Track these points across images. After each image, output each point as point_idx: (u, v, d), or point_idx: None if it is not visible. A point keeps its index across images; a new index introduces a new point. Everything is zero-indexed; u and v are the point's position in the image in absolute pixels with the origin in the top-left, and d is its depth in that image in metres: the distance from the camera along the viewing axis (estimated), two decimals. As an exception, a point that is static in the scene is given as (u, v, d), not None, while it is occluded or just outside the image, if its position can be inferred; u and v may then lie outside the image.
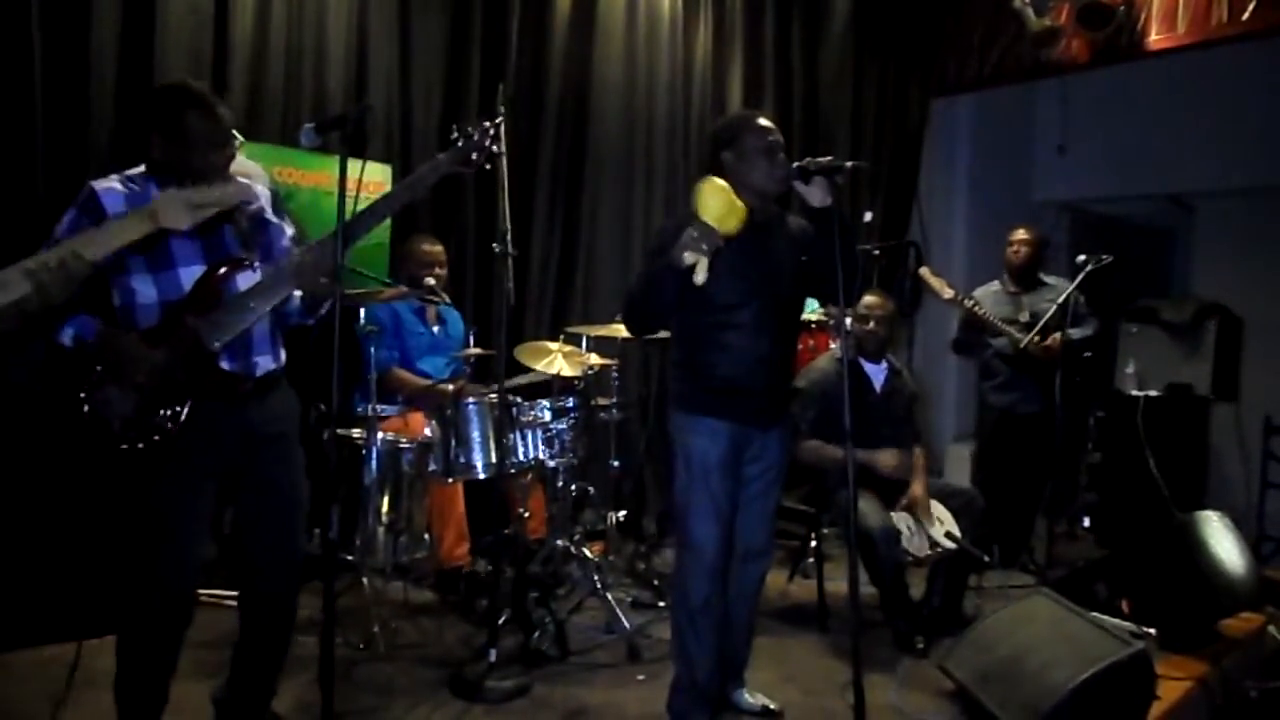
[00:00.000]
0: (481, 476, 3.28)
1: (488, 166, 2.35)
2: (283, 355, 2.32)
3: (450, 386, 3.44)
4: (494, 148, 2.31)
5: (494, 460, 3.21)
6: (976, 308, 4.22)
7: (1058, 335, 4.15)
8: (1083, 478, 5.52)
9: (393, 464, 3.39)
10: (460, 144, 2.31)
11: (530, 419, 3.34)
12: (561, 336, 3.98)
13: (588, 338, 3.94)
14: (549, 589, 3.38)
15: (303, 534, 2.29)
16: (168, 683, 2.20)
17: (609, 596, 3.38)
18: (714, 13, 5.19)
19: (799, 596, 3.90)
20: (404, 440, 3.38)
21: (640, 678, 3.02)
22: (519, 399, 3.38)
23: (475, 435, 3.25)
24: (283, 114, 3.67)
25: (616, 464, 4.05)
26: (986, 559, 3.52)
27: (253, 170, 2.97)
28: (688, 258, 2.21)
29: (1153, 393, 5.18)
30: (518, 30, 4.34)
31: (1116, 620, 3.18)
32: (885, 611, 3.40)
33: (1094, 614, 2.90)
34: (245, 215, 2.19)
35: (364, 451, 3.26)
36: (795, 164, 2.43)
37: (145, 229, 1.93)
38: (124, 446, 2.04)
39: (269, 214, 2.29)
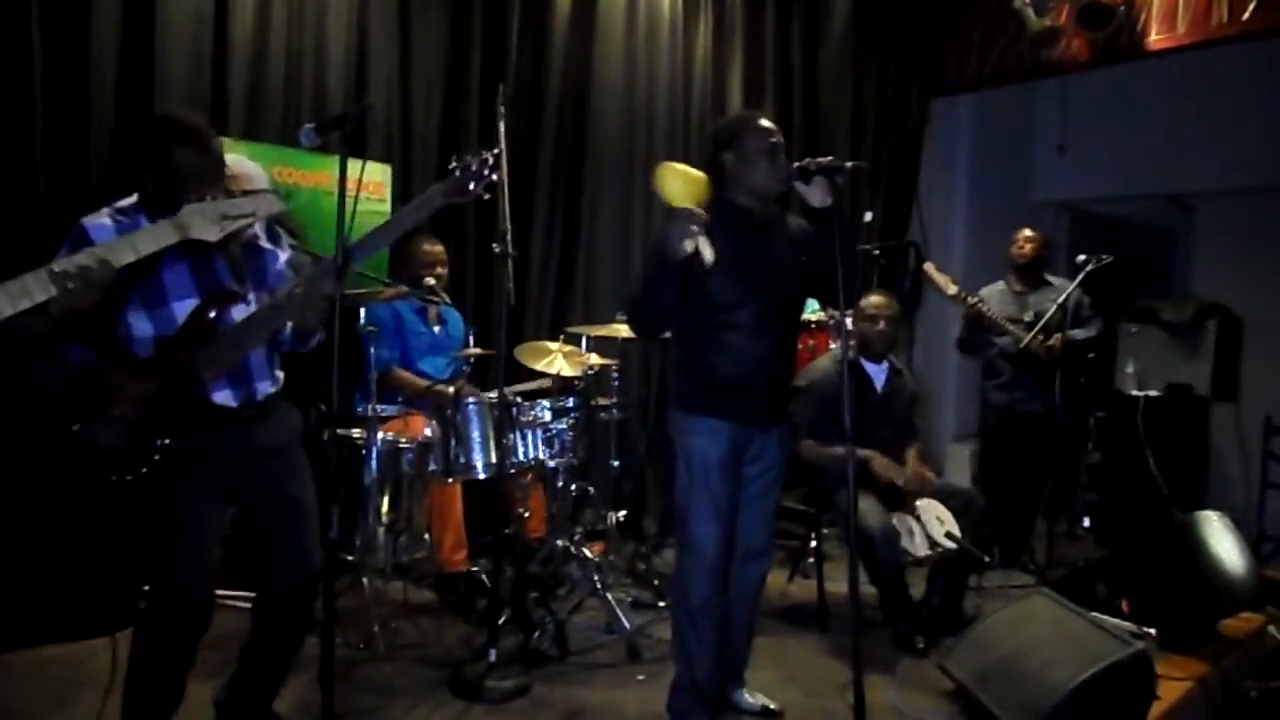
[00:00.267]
0: (481, 476, 3.28)
1: (486, 197, 2.30)
2: (280, 376, 2.33)
3: (450, 389, 3.44)
4: (493, 177, 2.26)
5: (494, 460, 3.22)
6: (980, 305, 4.23)
7: (1060, 335, 4.15)
8: (1083, 478, 5.52)
9: (393, 464, 3.39)
10: (458, 174, 2.28)
11: (530, 419, 3.34)
12: (561, 336, 3.98)
13: (588, 338, 3.94)
14: (549, 589, 3.38)
15: (316, 543, 2.27)
16: (182, 687, 2.19)
17: (609, 596, 3.38)
18: (714, 13, 5.19)
19: (799, 596, 3.90)
20: (404, 440, 3.38)
21: (640, 678, 3.02)
22: (519, 399, 3.38)
23: (475, 435, 3.25)
24: (283, 114, 3.67)
25: (616, 464, 4.05)
26: (986, 559, 3.52)
27: (252, 171, 2.97)
28: (687, 245, 2.23)
29: (1153, 393, 5.18)
30: (518, 30, 4.34)
31: (1116, 620, 3.19)
32: (885, 611, 3.40)
33: (1094, 614, 2.90)
34: (238, 243, 2.18)
35: (364, 451, 3.26)
36: (796, 164, 2.44)
37: (173, 238, 1.92)
38: (113, 478, 2.04)
39: (262, 240, 2.29)
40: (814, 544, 3.92)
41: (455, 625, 3.36)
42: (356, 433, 3.34)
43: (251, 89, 3.60)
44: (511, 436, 3.27)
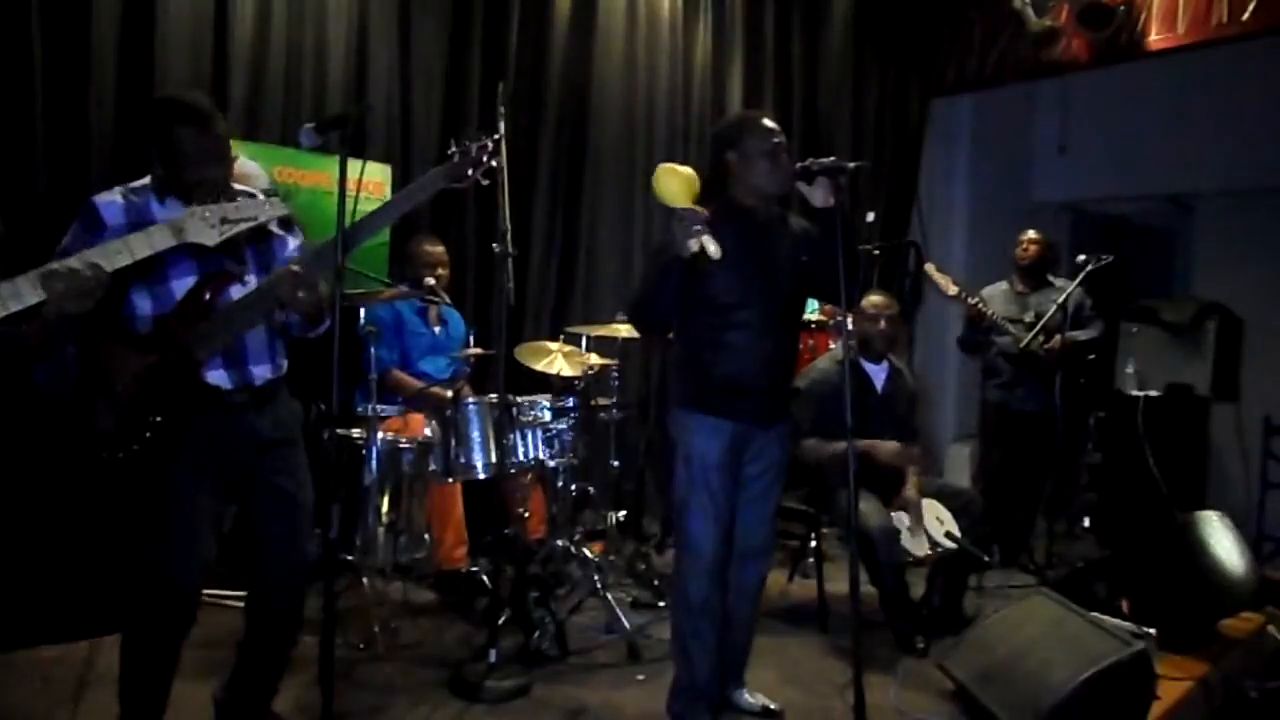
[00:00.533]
0: (482, 476, 3.28)
1: (485, 182, 2.30)
2: (284, 364, 2.30)
3: (448, 392, 3.44)
4: (492, 163, 2.25)
5: (494, 460, 3.22)
6: (980, 305, 4.23)
7: (1060, 336, 4.15)
8: (1083, 477, 5.52)
9: (393, 464, 3.38)
10: (456, 159, 2.27)
11: (530, 419, 3.34)
12: (561, 336, 3.98)
13: (588, 338, 3.94)
14: (549, 589, 3.38)
15: (309, 538, 2.27)
16: (170, 681, 2.19)
17: (609, 596, 3.37)
18: (714, 13, 5.19)
19: (799, 596, 3.90)
20: (404, 440, 3.38)
21: (640, 678, 3.02)
22: (519, 399, 3.38)
23: (475, 435, 3.25)
24: (283, 114, 3.68)
25: (616, 464, 4.05)
26: (986, 559, 3.52)
27: (253, 171, 2.98)
28: (691, 244, 2.23)
29: (1153, 393, 5.17)
30: (518, 30, 4.35)
31: (1116, 620, 3.18)
32: (885, 611, 3.39)
33: (1094, 614, 2.90)
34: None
35: (364, 451, 3.26)
36: (798, 164, 2.44)
37: (170, 242, 1.89)
38: (104, 455, 2.03)
39: (273, 224, 2.25)
40: (814, 544, 3.92)
41: (455, 625, 3.36)
42: (356, 432, 3.34)
43: (251, 89, 3.61)
44: (511, 436, 3.27)
